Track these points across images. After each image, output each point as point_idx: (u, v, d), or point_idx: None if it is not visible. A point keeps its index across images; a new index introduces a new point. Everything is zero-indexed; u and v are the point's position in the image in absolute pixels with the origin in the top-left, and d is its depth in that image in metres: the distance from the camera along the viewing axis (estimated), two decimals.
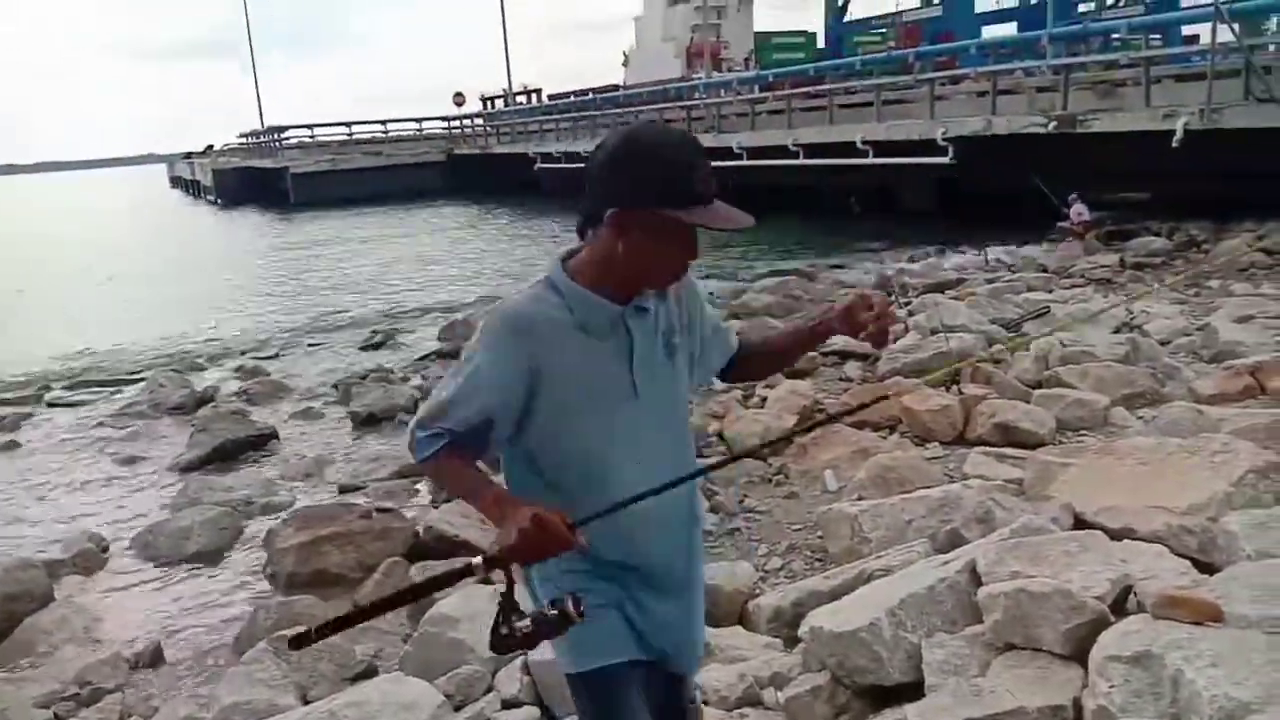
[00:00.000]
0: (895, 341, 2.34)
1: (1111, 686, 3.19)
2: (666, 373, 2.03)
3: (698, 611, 2.27)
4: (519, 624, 1.73)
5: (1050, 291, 14.04)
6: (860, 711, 4.37)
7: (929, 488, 7.10)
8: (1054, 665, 3.64)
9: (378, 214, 42.01)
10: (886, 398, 7.55)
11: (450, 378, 1.96)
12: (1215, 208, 17.83)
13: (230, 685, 5.50)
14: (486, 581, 1.97)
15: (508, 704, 4.92)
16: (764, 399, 10.09)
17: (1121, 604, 3.98)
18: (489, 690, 5.08)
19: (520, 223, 35.97)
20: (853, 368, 11.09)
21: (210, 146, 72.95)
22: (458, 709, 4.96)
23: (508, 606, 1.73)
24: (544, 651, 5.09)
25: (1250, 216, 17.25)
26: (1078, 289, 14.18)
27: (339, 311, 19.62)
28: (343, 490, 9.34)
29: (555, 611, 1.73)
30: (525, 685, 4.99)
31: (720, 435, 9.38)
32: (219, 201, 56.94)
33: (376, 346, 15.92)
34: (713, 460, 2.25)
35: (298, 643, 1.80)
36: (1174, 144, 16.68)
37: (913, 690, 4.11)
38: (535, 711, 4.84)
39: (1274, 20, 19.56)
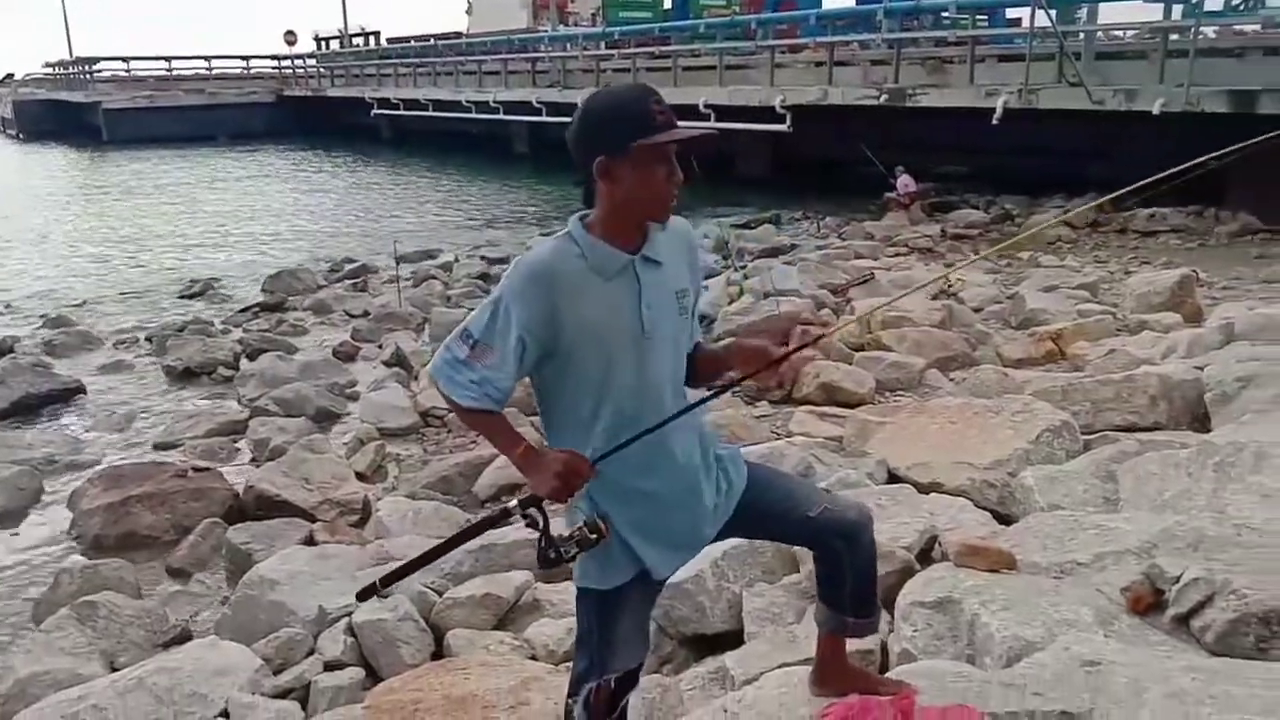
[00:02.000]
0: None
1: (915, 630, 3.38)
2: (675, 323, 2.23)
3: (701, 531, 2.39)
4: (562, 547, 2.09)
5: (876, 259, 14.67)
6: (684, 660, 4.49)
7: (757, 444, 7.33)
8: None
9: (201, 155, 39.61)
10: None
11: (478, 318, 2.16)
12: (1029, 183, 19.00)
13: (28, 654, 5.15)
14: (531, 524, 2.15)
15: (331, 665, 4.81)
16: None
17: (927, 554, 4.23)
18: (311, 653, 4.95)
19: (358, 170, 34.69)
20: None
21: (10, 75, 66.94)
22: (277, 673, 4.81)
23: (547, 536, 2.07)
24: (367, 613, 5.01)
25: (1060, 192, 18.48)
26: (901, 257, 14.87)
27: (154, 259, 18.46)
28: (156, 448, 8.85)
29: (593, 534, 2.09)
30: (349, 646, 4.89)
31: None
32: (20, 136, 52.50)
33: (195, 297, 15.02)
34: (711, 391, 2.40)
35: (364, 595, 2.37)
36: (994, 120, 17.64)
37: (734, 638, 4.25)
38: (360, 672, 4.74)
39: (1084, 10, 20.89)
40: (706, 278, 2.71)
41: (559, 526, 2.16)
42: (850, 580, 2.43)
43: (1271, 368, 6.01)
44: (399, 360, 10.62)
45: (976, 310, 10.78)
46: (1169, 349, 8.04)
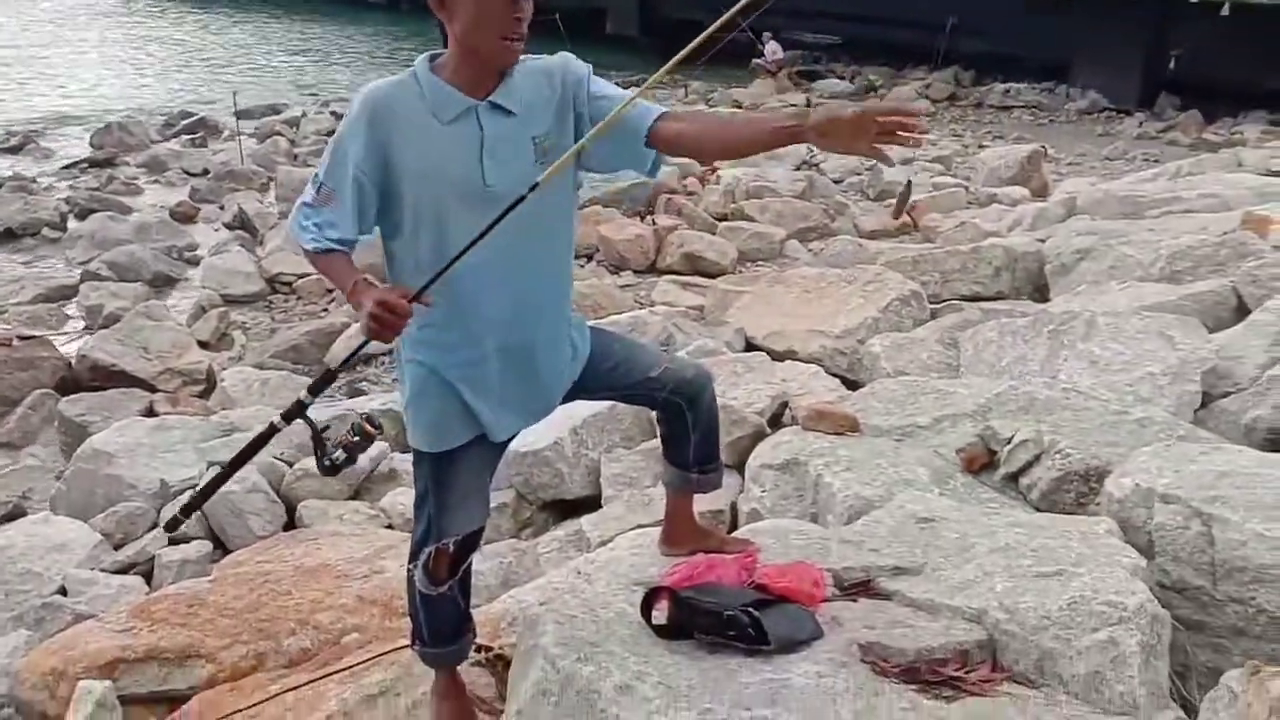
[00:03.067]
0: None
1: (763, 491, 3.48)
2: (529, 172, 1.96)
3: (546, 395, 2.27)
4: (334, 454, 2.01)
5: None
6: (543, 524, 4.54)
7: (620, 313, 7.32)
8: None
9: None
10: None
11: (324, 160, 2.05)
12: (895, 54, 19.15)
13: None
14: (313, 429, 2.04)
15: (176, 540, 4.65)
16: None
17: (778, 418, 4.34)
18: (154, 527, 4.77)
19: (195, 15, 31.98)
20: None
21: None
22: (118, 548, 4.62)
23: (319, 443, 2.00)
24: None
25: (924, 65, 18.70)
26: None
27: None
28: None
29: (358, 436, 2.02)
30: (195, 519, 4.73)
31: None
32: None
33: (14, 151, 13.76)
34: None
35: (172, 525, 2.20)
36: None
37: (592, 503, 4.31)
38: (207, 545, 4.61)
39: None
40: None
41: (335, 432, 2.08)
42: (693, 436, 2.47)
43: (1107, 241, 6.31)
44: (243, 222, 10.06)
45: (837, 181, 10.93)
46: (1015, 222, 8.35)
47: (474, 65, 2.01)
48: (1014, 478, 3.35)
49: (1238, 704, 1.73)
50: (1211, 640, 2.38)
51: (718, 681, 1.98)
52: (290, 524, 4.82)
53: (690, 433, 2.46)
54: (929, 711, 1.88)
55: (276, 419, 2.00)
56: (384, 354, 7.38)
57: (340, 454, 2.02)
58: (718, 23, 1.98)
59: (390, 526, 4.61)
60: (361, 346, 2.20)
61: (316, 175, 2.05)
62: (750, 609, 2.10)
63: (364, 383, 7.06)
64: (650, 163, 2.11)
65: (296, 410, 2.01)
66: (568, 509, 4.50)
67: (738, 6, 2.00)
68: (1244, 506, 2.40)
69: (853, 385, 4.90)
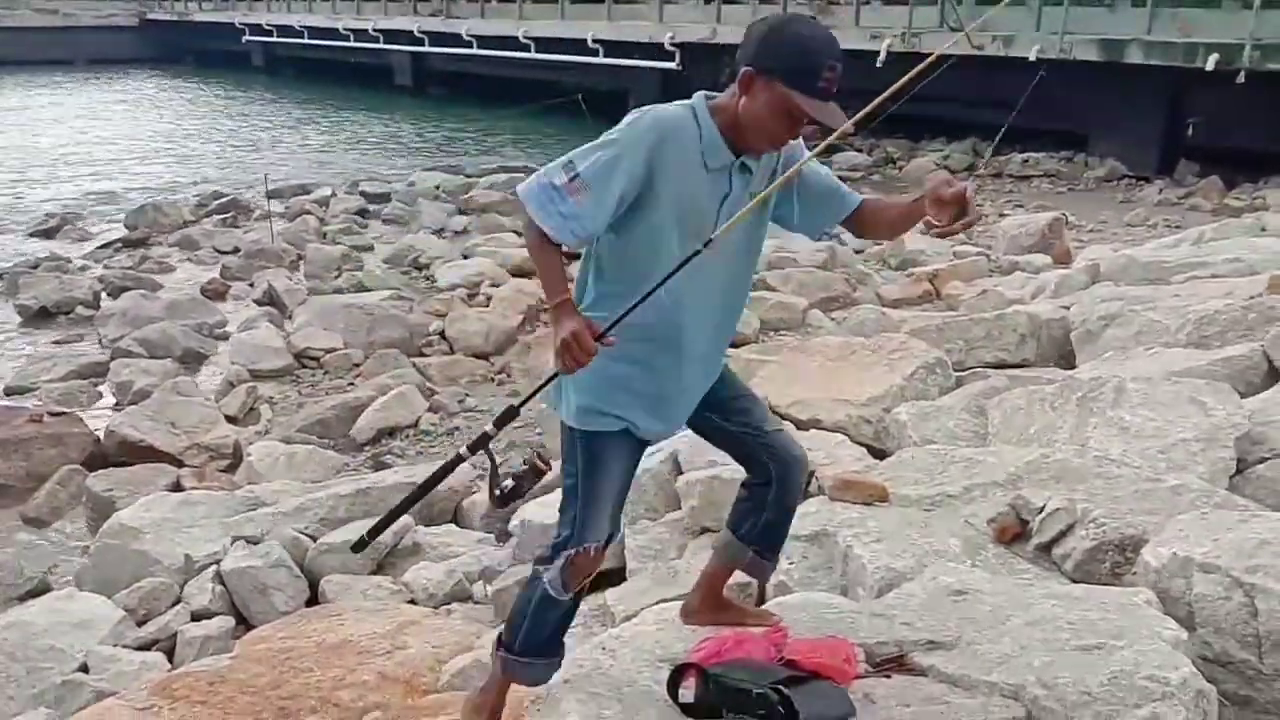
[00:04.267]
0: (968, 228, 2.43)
1: (791, 564, 3.42)
2: (745, 228, 2.20)
3: (686, 409, 2.40)
4: (504, 482, 2.14)
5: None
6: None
7: None
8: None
9: (53, 83, 37.02)
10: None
11: (586, 153, 2.12)
12: (911, 128, 19.35)
13: None
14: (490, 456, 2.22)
15: (198, 615, 4.62)
16: (489, 297, 9.96)
17: (805, 489, 4.29)
18: (177, 602, 4.75)
19: (229, 100, 32.97)
20: (575, 267, 11.16)
21: None
22: (141, 624, 4.60)
23: (494, 476, 2.15)
24: (236, 560, 4.83)
25: (940, 136, 18.89)
26: None
27: (3, 191, 17.23)
28: (9, 392, 8.30)
29: (527, 467, 2.16)
30: (217, 595, 4.70)
31: (442, 334, 9.19)
32: None
33: (50, 234, 14.07)
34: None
35: (359, 547, 2.40)
36: (878, 64, 17.86)
37: (618, 575, 4.25)
38: (229, 620, 4.58)
39: None
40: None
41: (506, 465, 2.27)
42: (769, 514, 2.46)
43: (1133, 307, 6.27)
44: (271, 299, 10.20)
45: (858, 252, 10.97)
46: (1038, 289, 8.33)
47: (742, 139, 2.17)
48: (1047, 548, 3.28)
49: None
50: (1258, 716, 2.30)
51: None
52: (313, 599, 4.79)
53: (767, 508, 2.46)
54: None
55: (463, 450, 2.22)
56: (409, 427, 7.41)
57: (509, 483, 2.15)
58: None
59: (413, 602, 4.57)
60: (551, 379, 2.27)
61: (571, 163, 2.12)
62: (780, 686, 2.05)
63: (388, 455, 7.07)
64: (824, 233, 2.46)
65: (481, 442, 2.21)
66: (592, 583, 4.44)
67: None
68: None
69: (879, 454, 4.85)
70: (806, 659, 2.19)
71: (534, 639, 2.36)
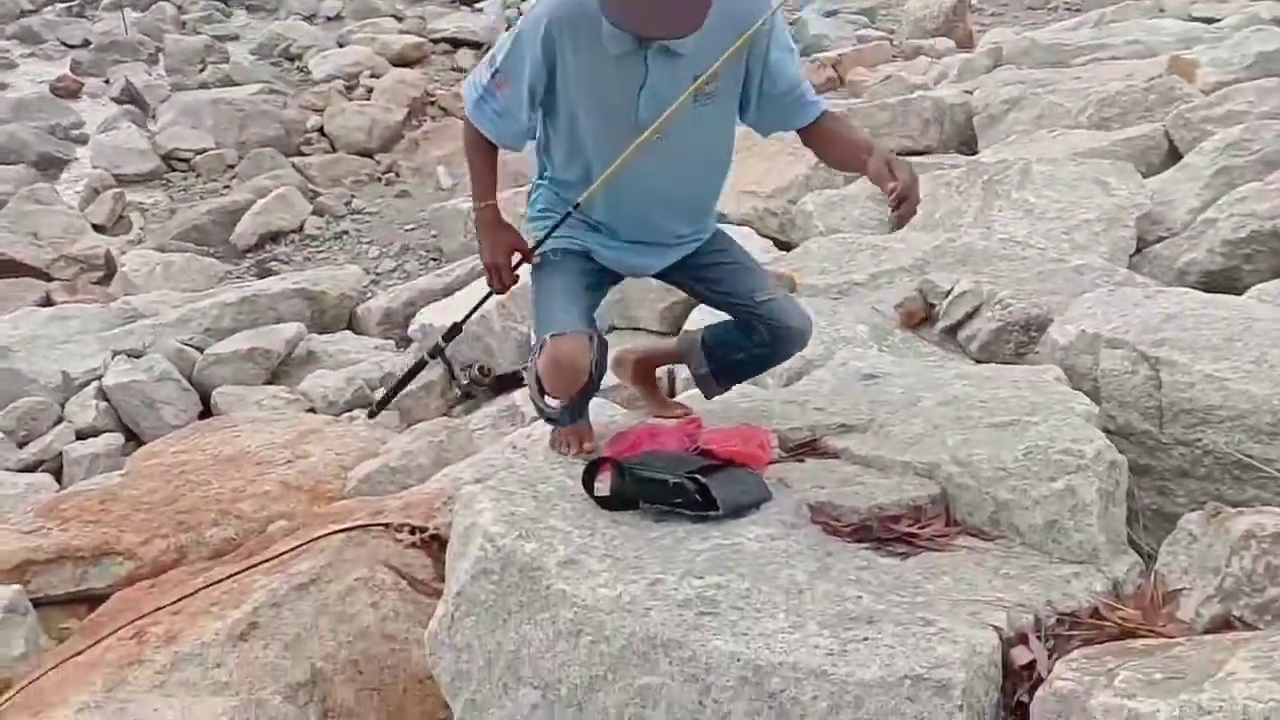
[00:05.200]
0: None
1: None
2: (687, 114, 2.01)
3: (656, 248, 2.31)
4: (463, 384, 2.33)
5: None
6: (475, 402, 4.41)
7: None
8: (651, 338, 3.84)
9: None
10: None
11: (502, 45, 2.10)
12: None
13: None
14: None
15: (83, 434, 4.41)
16: (369, 89, 9.35)
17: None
18: (59, 421, 4.52)
19: None
20: (465, 56, 10.51)
21: None
22: (22, 445, 4.38)
23: (451, 375, 2.41)
24: (119, 375, 4.60)
25: None
26: None
27: None
28: None
29: (485, 375, 2.37)
30: (102, 411, 4.49)
31: (321, 130, 8.63)
32: None
33: None
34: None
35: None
36: None
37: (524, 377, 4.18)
38: (118, 437, 4.39)
39: None
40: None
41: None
42: (745, 356, 2.34)
43: (1034, 90, 6.20)
44: (131, 96, 9.38)
45: None
46: (941, 74, 8.19)
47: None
48: (953, 331, 3.30)
49: (1197, 545, 1.69)
50: (1156, 484, 2.37)
51: (666, 550, 1.89)
52: (206, 412, 4.62)
53: (747, 357, 2.33)
54: (884, 568, 1.82)
55: (425, 354, 2.33)
56: (293, 231, 7.04)
57: (469, 386, 2.16)
58: None
59: (312, 410, 4.44)
60: (485, 299, 2.36)
61: (493, 57, 2.10)
62: (696, 475, 2.00)
63: (273, 262, 6.74)
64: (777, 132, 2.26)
65: (436, 351, 2.32)
66: (499, 384, 4.37)
67: None
68: (1191, 348, 2.36)
69: (785, 246, 4.79)
70: (721, 447, 2.14)
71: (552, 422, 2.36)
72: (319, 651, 2.27)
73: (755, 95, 2.14)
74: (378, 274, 6.61)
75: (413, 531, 2.58)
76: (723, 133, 2.19)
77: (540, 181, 2.28)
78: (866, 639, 1.55)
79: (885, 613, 1.63)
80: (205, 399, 4.63)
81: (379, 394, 4.53)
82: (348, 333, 5.26)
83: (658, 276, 2.35)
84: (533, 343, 2.30)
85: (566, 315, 2.15)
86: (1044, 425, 2.02)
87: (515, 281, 2.21)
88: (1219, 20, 7.97)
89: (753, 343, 2.29)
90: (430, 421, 3.89)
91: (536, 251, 2.23)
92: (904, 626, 1.57)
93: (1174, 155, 4.58)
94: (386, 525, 2.58)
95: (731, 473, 2.08)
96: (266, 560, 2.51)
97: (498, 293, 2.23)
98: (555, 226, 2.15)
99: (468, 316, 2.32)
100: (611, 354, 2.45)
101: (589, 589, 1.78)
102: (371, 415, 2.42)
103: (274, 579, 2.41)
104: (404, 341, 4.91)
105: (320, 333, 5.21)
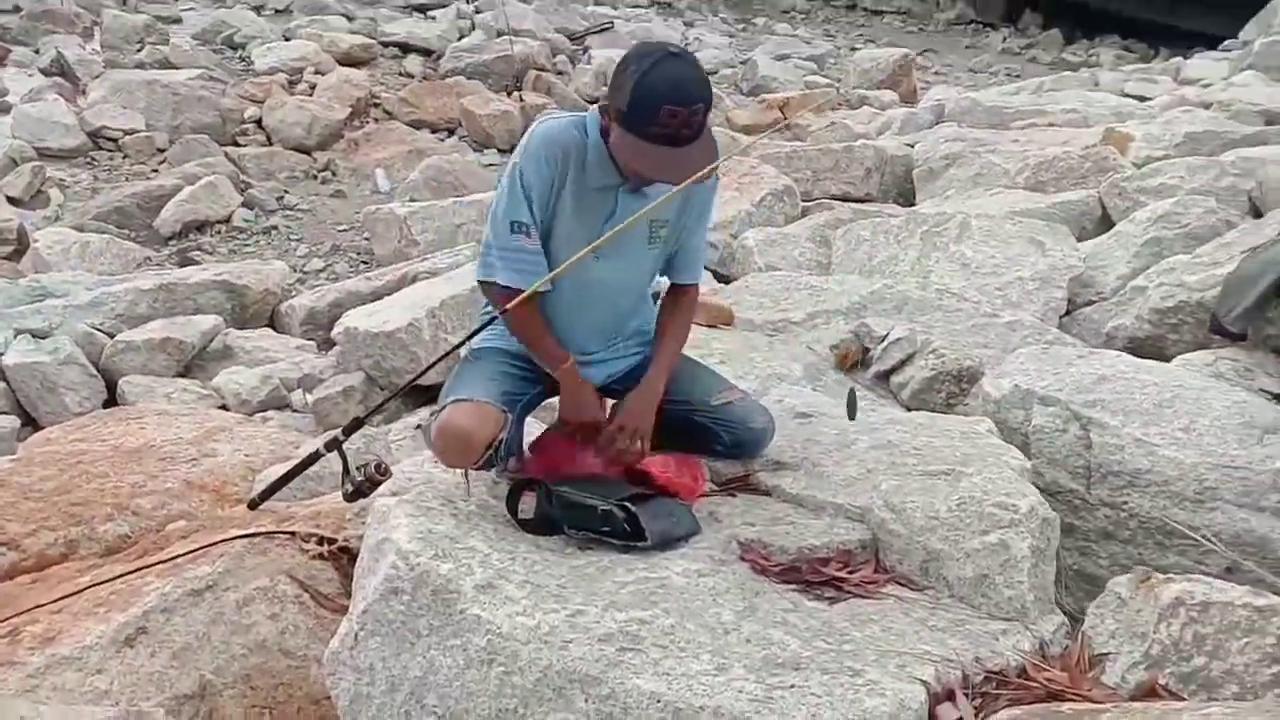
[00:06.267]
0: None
1: None
2: (639, 252, 2.15)
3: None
4: (357, 480, 2.03)
5: (616, 8, 14.07)
6: (394, 410, 4.27)
7: (483, 194, 6.94)
8: None
9: None
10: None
11: (508, 203, 2.09)
12: None
13: None
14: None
15: None
16: (313, 86, 9.14)
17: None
18: None
19: None
20: (414, 62, 10.37)
21: None
22: None
23: (346, 474, 2.06)
24: (20, 355, 4.36)
25: None
26: (640, 9, 14.36)
27: None
28: None
29: (381, 475, 2.03)
30: (1, 392, 4.25)
31: (258, 122, 8.39)
32: None
33: None
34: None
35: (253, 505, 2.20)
36: None
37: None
38: (14, 420, 4.15)
39: None
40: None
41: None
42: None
43: (975, 149, 6.33)
44: (61, 69, 9.01)
45: (712, 73, 10.64)
46: (885, 125, 8.32)
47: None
48: (886, 376, 3.30)
49: (1125, 610, 1.68)
50: (1079, 544, 2.38)
51: (590, 580, 1.82)
52: (111, 400, 4.39)
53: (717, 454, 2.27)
54: (810, 612, 1.77)
55: (320, 447, 2.18)
56: (220, 222, 6.81)
57: (364, 484, 2.05)
58: None
59: (224, 407, 4.25)
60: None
61: (518, 222, 2.08)
62: (626, 503, 1.94)
63: (196, 251, 6.50)
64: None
65: (333, 444, 2.13)
66: (422, 395, 4.25)
67: None
68: (1122, 411, 2.38)
69: (724, 279, 4.77)
70: (659, 474, 2.08)
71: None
72: (209, 663, 2.13)
73: (674, 255, 2.25)
74: (305, 272, 6.42)
75: (320, 542, 2.45)
76: (655, 270, 2.28)
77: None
78: (793, 686, 1.50)
79: (812, 659, 1.58)
80: (111, 387, 4.40)
81: (295, 394, 4.38)
82: (268, 330, 5.06)
83: (607, 393, 2.28)
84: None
85: (479, 388, 2.08)
86: (978, 477, 2.01)
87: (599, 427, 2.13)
88: (1149, 99, 8.27)
89: (711, 451, 2.23)
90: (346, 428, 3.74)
91: (469, 346, 2.22)
92: (831, 675, 1.52)
93: (1106, 222, 4.68)
94: (292, 534, 2.46)
95: (661, 503, 2.03)
96: (161, 562, 2.36)
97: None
98: (485, 325, 2.16)
99: (371, 413, 2.24)
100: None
101: (505, 616, 1.70)
102: (252, 507, 2.17)
103: (167, 582, 2.27)
104: (326, 344, 4.74)
105: (240, 328, 5.01)
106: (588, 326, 2.23)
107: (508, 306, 2.03)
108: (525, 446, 2.25)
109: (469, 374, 2.16)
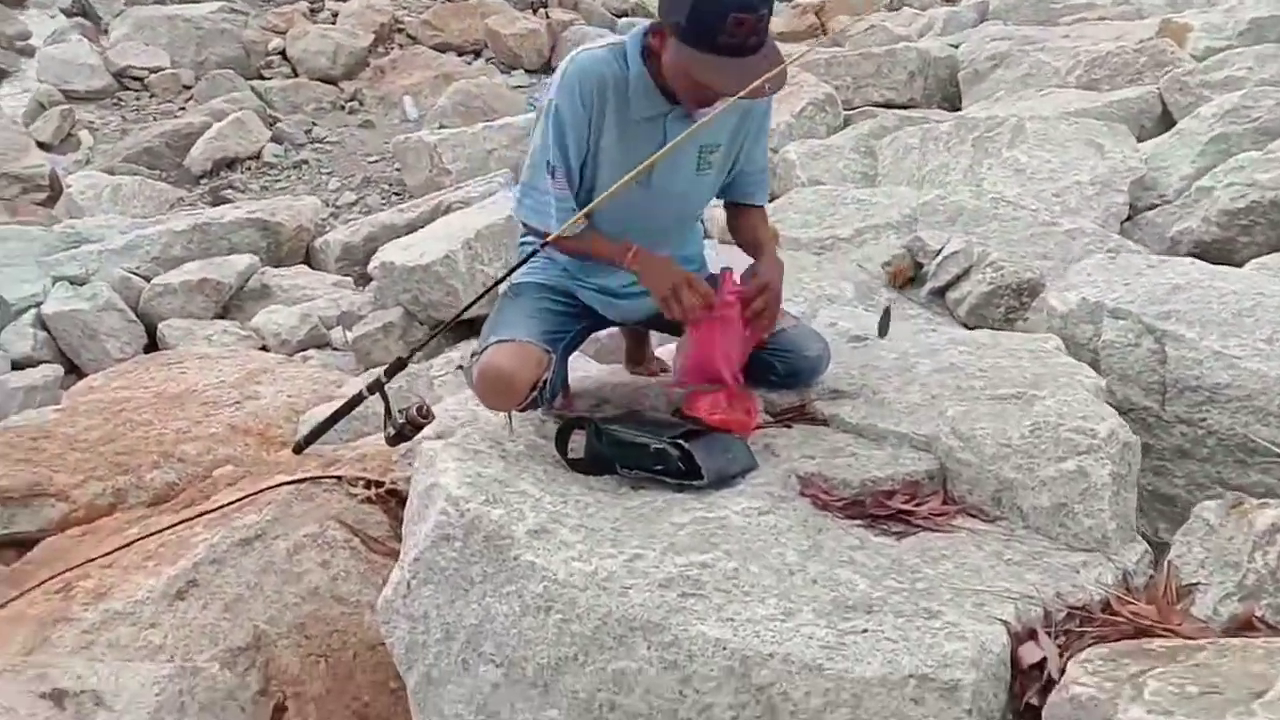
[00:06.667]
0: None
1: None
2: (688, 180, 2.05)
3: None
4: (399, 424, 1.96)
5: None
6: (437, 345, 4.23)
7: (513, 117, 6.79)
8: None
9: None
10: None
11: (544, 141, 1.98)
12: None
13: None
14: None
15: (20, 364, 4.17)
16: (335, 13, 8.94)
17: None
18: None
19: None
20: None
21: None
22: None
23: (389, 416, 1.98)
24: (60, 303, 4.35)
25: None
26: None
27: None
28: None
29: (423, 417, 1.96)
30: (41, 341, 4.25)
31: (283, 54, 8.24)
32: None
33: None
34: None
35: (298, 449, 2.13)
36: None
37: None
38: (57, 369, 4.15)
39: None
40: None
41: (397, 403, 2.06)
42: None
43: (1023, 48, 6.05)
44: (83, 8, 8.89)
45: None
46: (926, 26, 7.99)
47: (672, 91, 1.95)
48: (941, 292, 3.16)
49: (1215, 537, 1.58)
50: (1154, 463, 2.27)
51: (646, 521, 1.75)
52: (152, 345, 4.38)
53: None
54: (878, 549, 1.69)
55: (363, 389, 2.08)
56: (250, 158, 6.74)
57: (407, 427, 1.98)
58: None
59: (264, 348, 4.22)
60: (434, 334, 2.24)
61: (547, 163, 1.98)
62: (680, 440, 1.85)
63: (229, 190, 6.44)
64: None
65: (375, 386, 2.03)
66: (464, 329, 4.19)
67: None
68: (1199, 323, 2.25)
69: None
70: (708, 414, 2.00)
71: None
72: (262, 613, 2.11)
73: (732, 177, 2.16)
74: (337, 206, 6.34)
75: (368, 486, 2.41)
76: (707, 200, 2.20)
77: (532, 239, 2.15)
78: (866, 631, 1.43)
79: (884, 601, 1.50)
80: (151, 331, 4.39)
81: (335, 332, 4.34)
82: (304, 267, 5.02)
83: (654, 327, 2.21)
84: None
85: (520, 328, 1.99)
86: (1050, 400, 1.90)
87: (705, 293, 1.98)
88: None
89: (766, 381, 2.14)
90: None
91: (509, 281, 2.13)
92: (906, 618, 1.45)
93: (1167, 120, 4.45)
94: (339, 478, 2.41)
95: (716, 438, 1.94)
96: (208, 511, 2.33)
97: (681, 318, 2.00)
98: (528, 257, 2.02)
99: (412, 353, 2.13)
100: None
101: (561, 562, 1.64)
102: (297, 451, 2.15)
103: (216, 533, 2.24)
104: (363, 279, 4.69)
105: (275, 266, 4.97)
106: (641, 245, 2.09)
107: (541, 244, 1.94)
108: (568, 382, 2.17)
109: (509, 312, 2.07)
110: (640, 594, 1.55)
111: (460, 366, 2.52)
